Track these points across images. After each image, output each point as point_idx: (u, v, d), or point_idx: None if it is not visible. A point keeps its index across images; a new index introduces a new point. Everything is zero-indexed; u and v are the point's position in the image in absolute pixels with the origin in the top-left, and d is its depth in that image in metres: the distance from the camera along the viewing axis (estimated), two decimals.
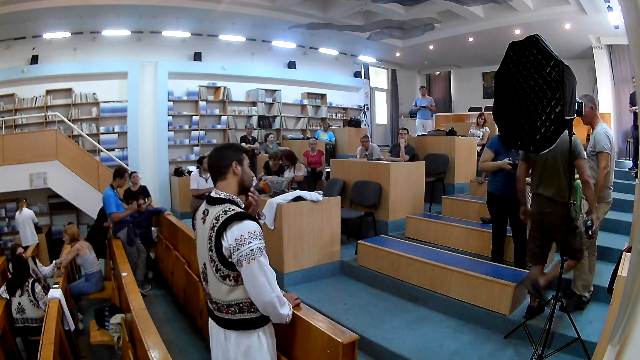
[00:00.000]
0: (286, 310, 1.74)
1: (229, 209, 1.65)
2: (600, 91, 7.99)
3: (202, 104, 9.08)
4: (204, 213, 1.74)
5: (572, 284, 3.05)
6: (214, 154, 1.81)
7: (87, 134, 7.76)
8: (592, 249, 3.03)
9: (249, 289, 1.64)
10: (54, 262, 4.35)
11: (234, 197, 1.73)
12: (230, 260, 1.63)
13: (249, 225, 1.62)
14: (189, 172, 7.03)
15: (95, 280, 4.50)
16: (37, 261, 4.42)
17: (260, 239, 1.64)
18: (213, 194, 1.74)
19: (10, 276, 3.87)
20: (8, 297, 3.65)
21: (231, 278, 1.67)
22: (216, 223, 1.63)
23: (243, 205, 1.78)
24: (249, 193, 1.86)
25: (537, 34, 2.19)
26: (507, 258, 3.69)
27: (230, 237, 1.60)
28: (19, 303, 3.62)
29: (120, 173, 4.81)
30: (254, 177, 1.81)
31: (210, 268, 1.69)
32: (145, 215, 5.31)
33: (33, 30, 7.42)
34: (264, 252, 1.64)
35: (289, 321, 1.80)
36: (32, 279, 3.73)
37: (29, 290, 3.63)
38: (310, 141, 7.71)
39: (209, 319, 1.86)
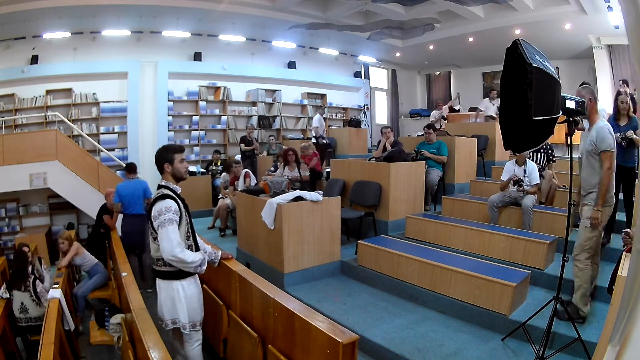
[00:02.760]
0: (191, 262, 2.31)
1: (161, 191, 2.38)
2: (600, 91, 7.99)
3: (202, 104, 9.08)
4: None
5: (573, 292, 2.92)
6: (155, 155, 2.48)
7: (87, 134, 7.76)
8: (596, 257, 2.92)
9: (160, 246, 2.28)
10: (56, 263, 4.36)
11: (170, 184, 2.45)
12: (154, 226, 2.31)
13: (166, 203, 2.30)
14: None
15: (102, 270, 4.54)
16: (42, 262, 4.41)
17: (173, 213, 2.28)
18: (159, 183, 2.47)
19: (10, 274, 3.87)
20: (9, 297, 3.65)
21: (159, 240, 2.30)
22: (153, 200, 2.39)
23: (179, 190, 2.46)
24: None
25: (517, 39, 2.20)
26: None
27: (154, 210, 2.32)
28: (22, 303, 3.62)
29: (134, 168, 5.34)
30: (187, 169, 2.59)
31: (150, 232, 2.41)
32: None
33: (33, 30, 7.42)
34: (175, 223, 2.28)
35: (200, 271, 2.43)
36: (33, 277, 3.73)
37: (31, 290, 3.64)
38: (301, 146, 7.57)
39: None
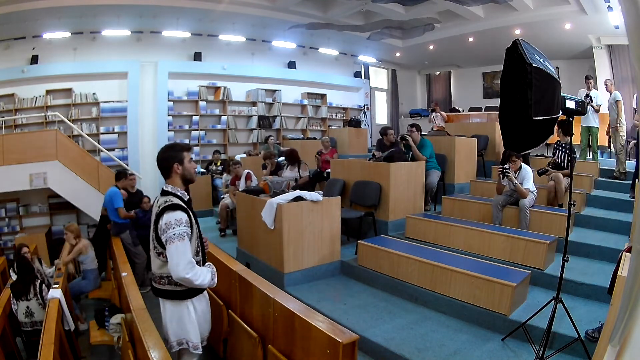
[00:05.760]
0: (202, 281, 2.04)
1: (169, 200, 2.05)
2: (600, 91, 7.97)
3: (202, 104, 9.08)
4: (157, 201, 2.15)
5: None
6: (158, 156, 2.15)
7: (87, 134, 7.75)
8: None
9: (168, 264, 1.99)
10: (55, 262, 4.36)
11: (178, 190, 2.12)
12: (161, 239, 2.01)
13: (177, 215, 2.00)
14: None
15: (93, 277, 4.55)
16: (42, 262, 4.40)
17: (185, 226, 2.00)
18: (164, 188, 2.14)
19: (15, 278, 3.83)
20: (16, 303, 3.62)
21: (164, 255, 2.04)
22: (158, 210, 2.05)
23: (187, 197, 2.14)
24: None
25: (517, 39, 2.20)
26: None
27: (162, 222, 2.00)
28: (27, 307, 3.58)
29: (123, 174, 5.25)
30: (196, 169, 2.33)
31: (152, 246, 2.11)
32: (149, 215, 5.29)
33: (33, 30, 7.41)
34: (186, 238, 1.99)
35: (213, 285, 2.16)
36: (39, 281, 3.71)
37: (38, 294, 3.61)
38: (323, 139, 7.73)
39: None
